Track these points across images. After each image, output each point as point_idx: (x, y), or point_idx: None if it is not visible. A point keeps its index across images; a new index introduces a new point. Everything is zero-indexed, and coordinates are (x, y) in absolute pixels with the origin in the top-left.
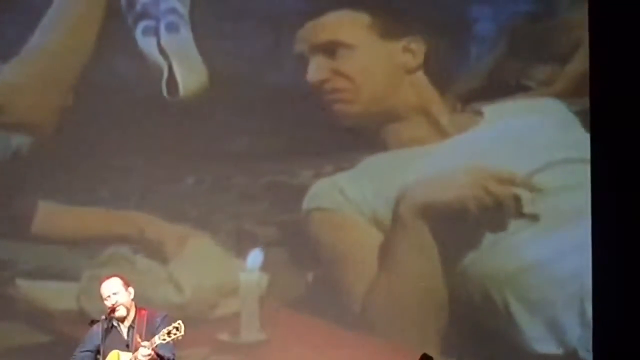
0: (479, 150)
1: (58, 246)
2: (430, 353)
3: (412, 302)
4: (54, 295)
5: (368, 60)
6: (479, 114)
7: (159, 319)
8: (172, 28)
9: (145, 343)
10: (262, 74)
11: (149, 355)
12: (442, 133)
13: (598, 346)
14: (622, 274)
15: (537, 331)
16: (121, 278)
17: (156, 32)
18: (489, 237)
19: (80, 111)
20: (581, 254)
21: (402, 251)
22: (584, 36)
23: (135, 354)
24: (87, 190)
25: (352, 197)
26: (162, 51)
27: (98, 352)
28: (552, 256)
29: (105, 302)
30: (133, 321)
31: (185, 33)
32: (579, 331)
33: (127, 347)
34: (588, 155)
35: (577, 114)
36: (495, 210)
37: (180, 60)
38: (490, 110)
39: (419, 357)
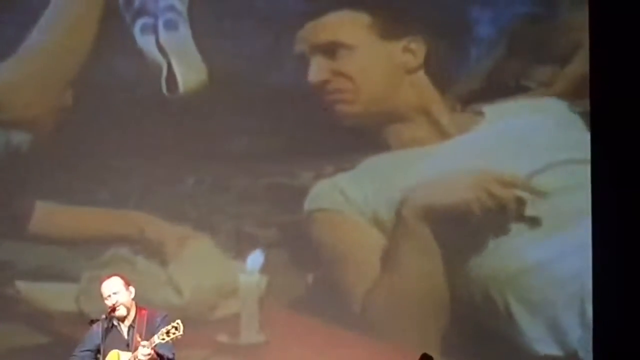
0: (481, 152)
1: (58, 247)
2: (431, 353)
3: (413, 303)
4: (53, 296)
5: (368, 61)
6: (480, 114)
7: (159, 319)
8: (170, 25)
9: (145, 342)
10: (262, 74)
11: (149, 354)
12: (443, 133)
13: (598, 347)
14: (622, 275)
15: (538, 332)
16: (122, 277)
17: (155, 30)
18: (490, 239)
19: (79, 111)
20: (582, 255)
21: (404, 253)
22: (584, 38)
23: (135, 353)
24: (87, 191)
25: (353, 197)
26: (161, 49)
27: (98, 351)
28: (552, 257)
29: (106, 301)
30: (133, 321)
31: (184, 30)
32: (579, 332)
33: (127, 346)
34: (589, 156)
35: (579, 114)
36: (498, 212)
37: (179, 57)
38: (492, 110)
39: (418, 357)
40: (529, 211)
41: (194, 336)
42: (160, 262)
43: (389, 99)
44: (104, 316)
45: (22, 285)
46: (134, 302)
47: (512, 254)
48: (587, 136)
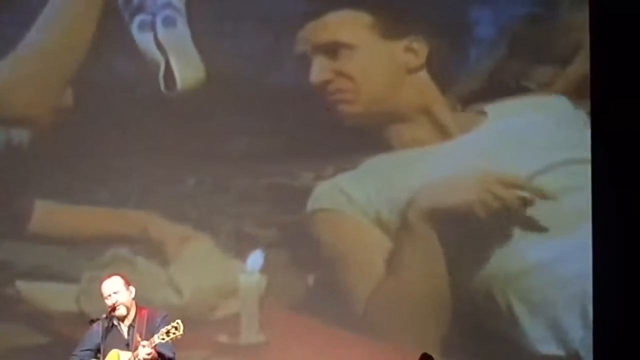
0: (483, 152)
1: (58, 247)
2: (431, 353)
3: (414, 303)
4: (53, 296)
5: (370, 61)
6: (482, 113)
7: (159, 319)
8: (168, 22)
9: (145, 342)
10: (262, 74)
11: (150, 353)
12: (445, 133)
13: (599, 347)
14: (623, 275)
15: (539, 332)
16: (122, 277)
17: (153, 27)
18: (492, 240)
19: (79, 110)
20: (583, 256)
21: (408, 255)
22: (585, 38)
23: (136, 352)
24: (87, 191)
25: (355, 198)
26: (159, 46)
27: (98, 350)
28: (554, 257)
29: (106, 301)
30: (133, 320)
31: (182, 27)
32: (580, 332)
33: (127, 346)
34: (589, 156)
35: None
36: (500, 213)
37: (177, 54)
38: (493, 109)
39: (419, 357)
40: (530, 212)
41: (194, 336)
42: (160, 263)
43: (390, 99)
44: (104, 316)
45: (22, 285)
46: (134, 302)
47: (513, 254)
48: (588, 136)
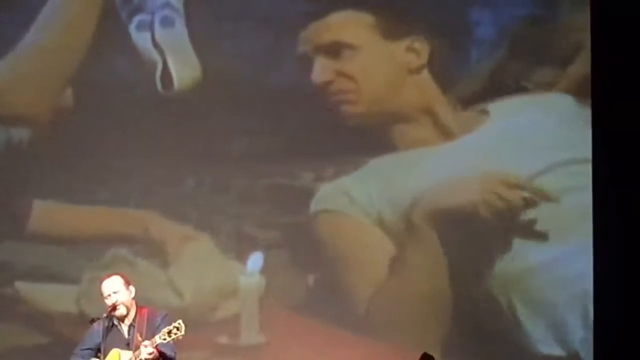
0: (485, 152)
1: (58, 247)
2: (432, 354)
3: (415, 304)
4: (53, 297)
5: (372, 61)
6: (485, 112)
7: (159, 318)
8: (167, 22)
9: (147, 342)
10: (262, 74)
11: (152, 353)
12: (447, 134)
13: (599, 348)
14: (624, 276)
15: (540, 332)
16: (122, 277)
17: (151, 27)
18: (494, 241)
19: (79, 110)
20: (584, 256)
21: (411, 256)
22: (585, 39)
23: (137, 352)
24: (87, 191)
25: (357, 198)
26: (156, 45)
27: (98, 350)
28: (555, 258)
29: (106, 300)
30: (134, 320)
31: (180, 27)
32: (581, 332)
33: (128, 345)
34: (590, 157)
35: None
36: (502, 214)
37: (174, 54)
38: (495, 108)
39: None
40: (532, 212)
41: (194, 337)
42: (160, 263)
43: (392, 99)
44: (104, 315)
45: (21, 286)
46: (134, 302)
47: (514, 255)
48: (589, 135)
